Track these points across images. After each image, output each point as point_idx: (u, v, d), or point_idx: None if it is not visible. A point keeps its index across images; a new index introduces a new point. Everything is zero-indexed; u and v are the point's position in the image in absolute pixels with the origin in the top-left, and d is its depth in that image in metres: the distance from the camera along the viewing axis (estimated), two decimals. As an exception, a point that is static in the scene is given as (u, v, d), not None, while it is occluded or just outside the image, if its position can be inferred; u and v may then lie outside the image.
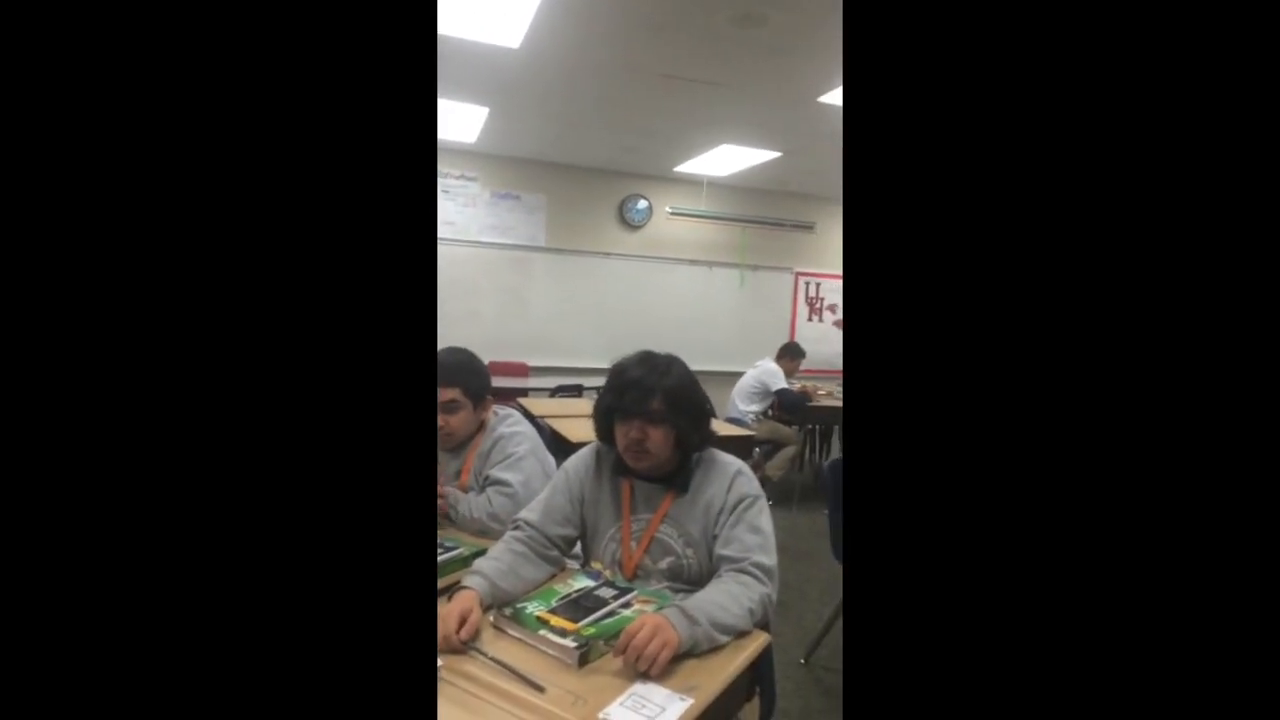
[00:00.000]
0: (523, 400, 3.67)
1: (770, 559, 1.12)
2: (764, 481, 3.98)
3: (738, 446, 2.77)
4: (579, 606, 1.04)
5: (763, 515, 1.17)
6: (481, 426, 1.52)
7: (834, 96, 3.26)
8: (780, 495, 3.96)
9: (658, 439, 1.17)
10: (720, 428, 2.99)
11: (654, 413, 1.16)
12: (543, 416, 2.88)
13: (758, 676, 1.22)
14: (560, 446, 2.52)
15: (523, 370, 5.03)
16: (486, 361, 5.37)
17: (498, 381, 4.58)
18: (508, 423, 1.54)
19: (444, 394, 1.44)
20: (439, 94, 3.61)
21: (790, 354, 4.41)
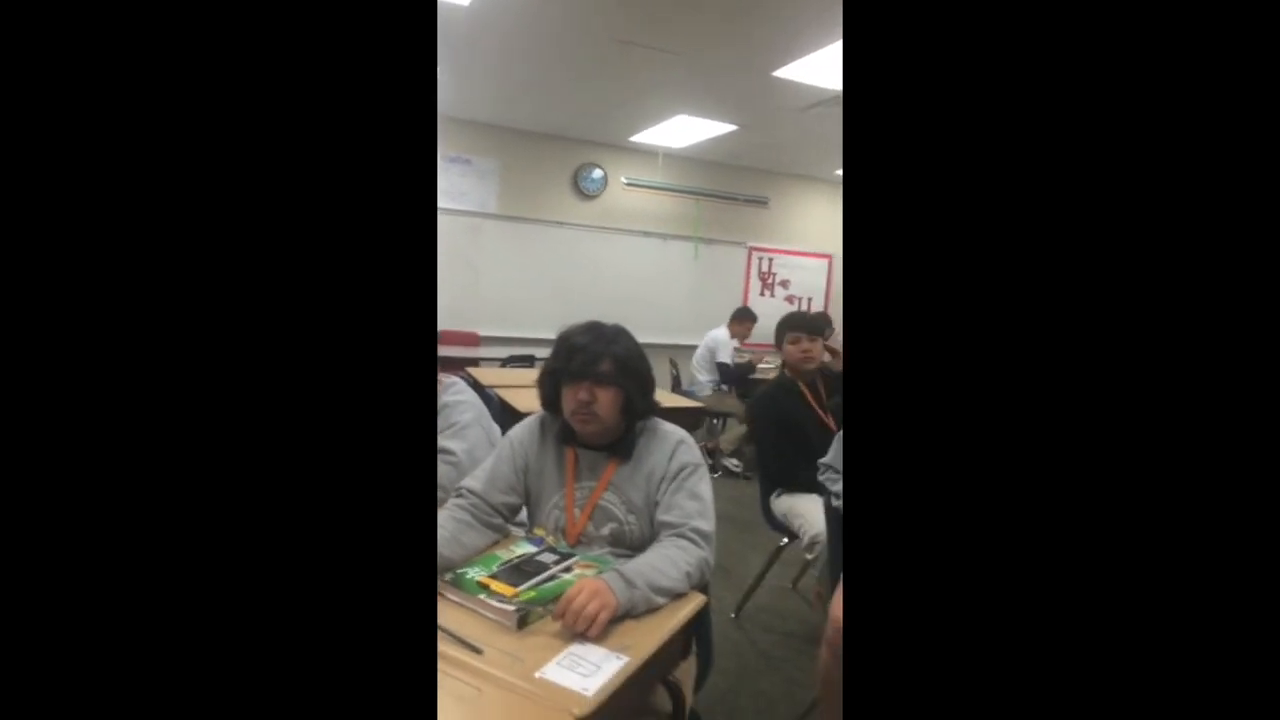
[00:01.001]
0: (473, 370, 3.63)
1: (708, 525, 1.15)
2: (714, 453, 4.08)
3: (686, 418, 2.81)
4: (520, 572, 1.05)
5: (703, 483, 1.20)
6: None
7: (789, 71, 3.27)
8: (724, 467, 4.05)
9: (606, 402, 1.18)
10: (667, 398, 3.04)
11: (603, 375, 1.18)
12: (492, 386, 2.86)
13: (697, 637, 1.27)
14: (510, 416, 2.51)
15: (473, 340, 4.97)
16: (436, 330, 5.21)
17: (448, 351, 4.53)
18: (452, 391, 1.53)
19: None
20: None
21: (740, 318, 4.47)
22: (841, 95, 2.77)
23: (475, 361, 4.25)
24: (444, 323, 4.90)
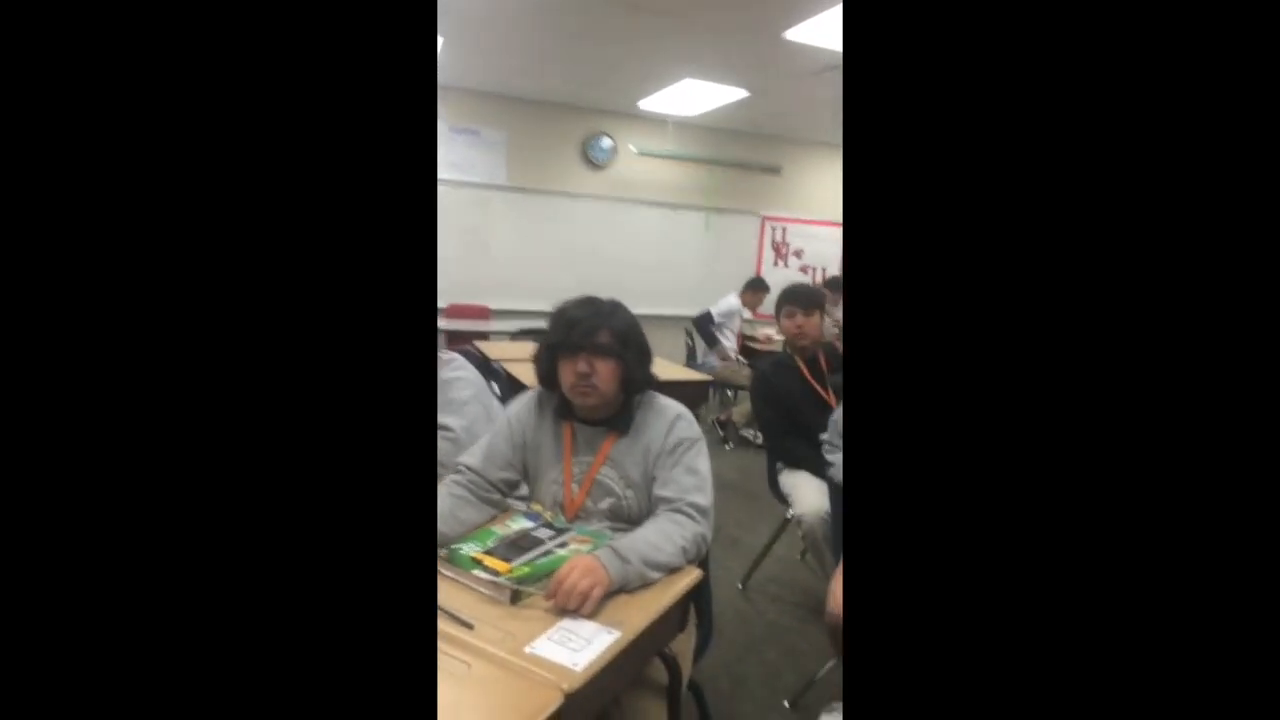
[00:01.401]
0: (482, 344, 3.62)
1: (705, 499, 1.14)
2: (726, 424, 4.07)
3: (691, 390, 2.80)
4: (515, 547, 1.05)
5: (700, 457, 1.19)
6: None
7: (799, 33, 3.17)
8: (743, 438, 4.05)
9: (605, 373, 1.17)
10: (673, 370, 3.02)
11: (602, 346, 1.16)
12: (499, 360, 2.86)
13: (697, 609, 1.28)
14: (516, 391, 2.51)
15: (483, 313, 4.97)
16: (445, 304, 5.22)
17: (458, 324, 4.54)
18: (451, 367, 1.52)
19: None
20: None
21: (753, 288, 4.41)
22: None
23: (485, 335, 4.25)
24: (453, 296, 4.91)
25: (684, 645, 1.17)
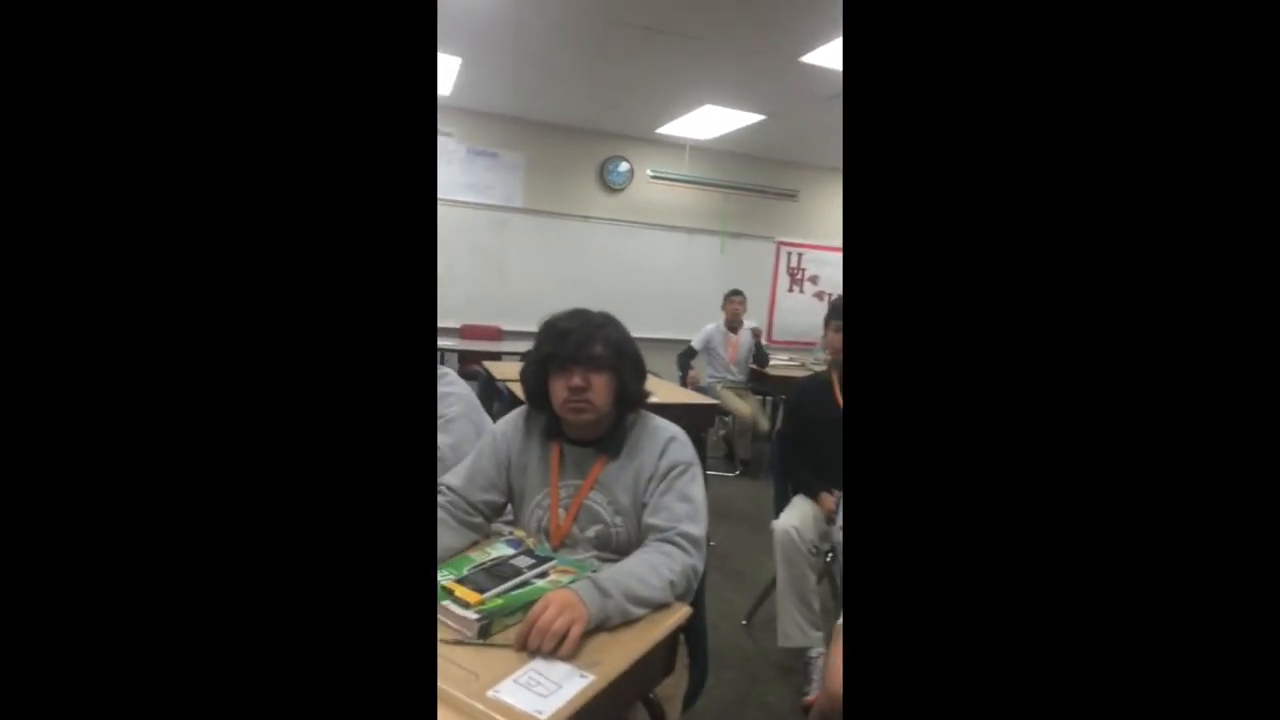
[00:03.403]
0: (493, 364, 3.59)
1: (698, 529, 1.07)
2: (730, 458, 3.96)
3: (698, 414, 2.72)
4: (491, 576, 0.98)
5: (695, 484, 1.12)
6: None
7: (817, 56, 3.14)
8: (751, 466, 3.94)
9: (600, 387, 1.10)
10: (675, 393, 2.94)
11: (597, 358, 1.10)
12: (505, 380, 2.81)
13: (690, 649, 1.19)
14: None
15: (495, 334, 4.95)
16: (458, 324, 5.23)
17: (470, 345, 4.52)
18: (442, 383, 1.47)
19: None
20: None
21: (731, 297, 4.27)
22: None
23: (498, 355, 4.22)
24: (467, 316, 4.90)
25: (672, 689, 1.08)
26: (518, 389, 2.65)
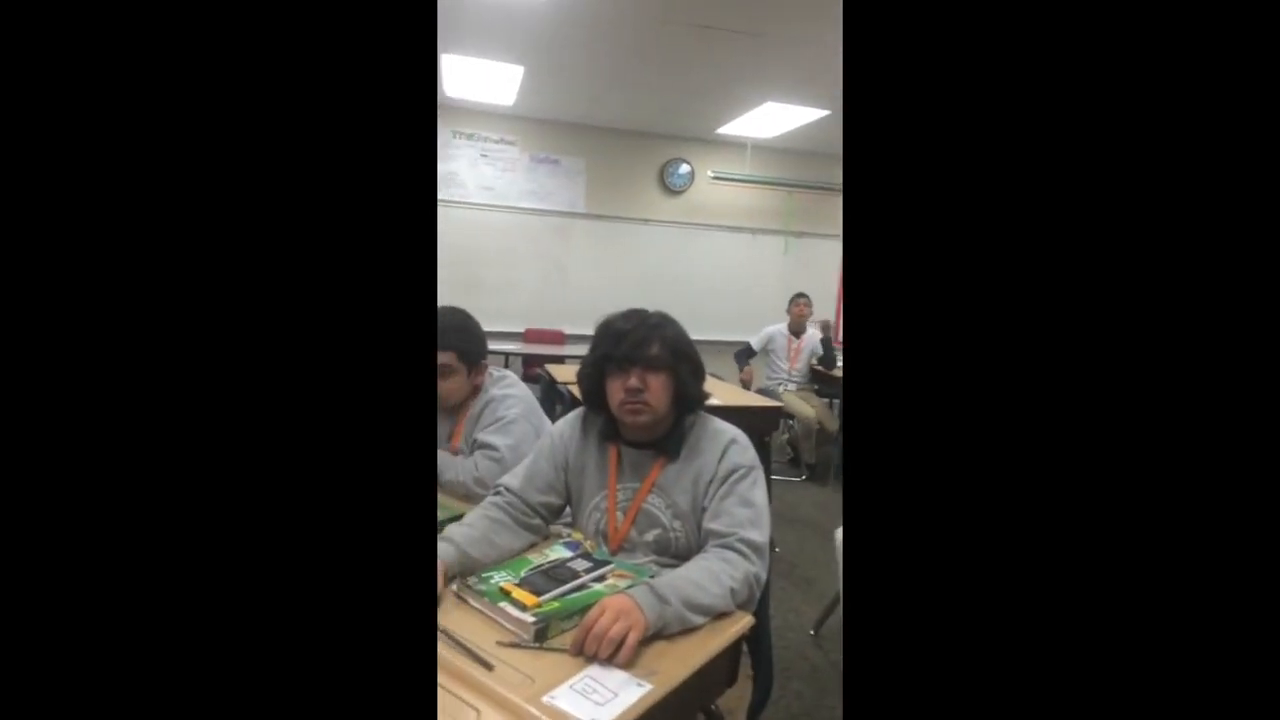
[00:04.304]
0: (555, 367, 3.62)
1: (761, 535, 1.02)
2: (796, 462, 3.85)
3: (761, 417, 2.65)
4: (548, 578, 0.97)
5: (756, 488, 1.07)
6: (475, 390, 1.47)
7: (883, 45, 3.02)
8: (817, 472, 3.83)
9: (657, 388, 1.08)
10: (737, 395, 2.87)
11: (654, 359, 1.08)
12: (566, 383, 2.83)
13: (754, 659, 1.14)
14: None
15: (559, 338, 5.00)
16: (523, 329, 5.30)
17: (534, 349, 4.59)
18: (501, 385, 1.48)
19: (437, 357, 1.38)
20: (474, 53, 3.53)
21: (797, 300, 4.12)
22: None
23: (561, 359, 4.27)
24: (531, 321, 4.97)
25: (735, 701, 1.05)
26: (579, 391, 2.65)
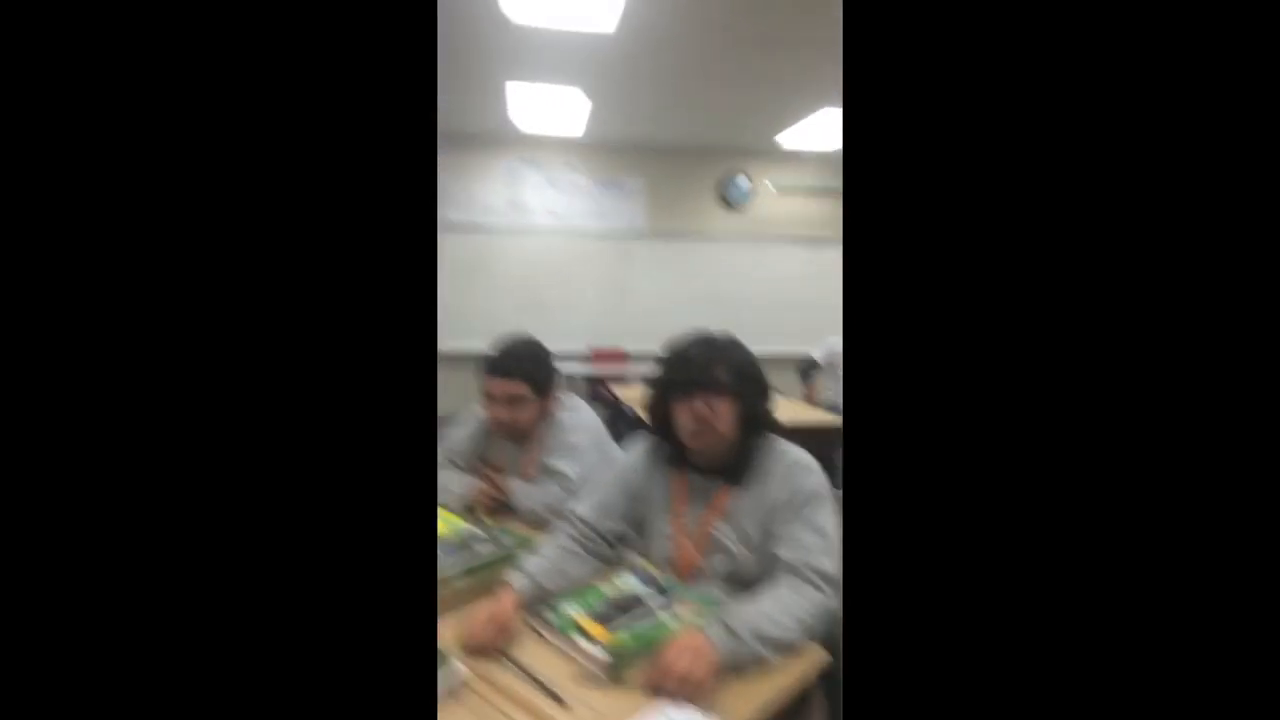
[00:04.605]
0: (620, 386, 3.64)
1: (832, 564, 0.99)
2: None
3: (827, 436, 2.58)
4: (618, 609, 0.97)
5: (827, 514, 1.05)
6: (546, 417, 1.49)
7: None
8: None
9: (724, 413, 1.08)
10: (800, 412, 2.78)
11: (720, 383, 1.08)
12: (629, 402, 2.84)
13: (829, 700, 1.11)
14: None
15: (620, 357, 5.04)
16: (586, 349, 5.37)
17: (597, 370, 4.64)
18: (571, 411, 1.50)
19: (509, 387, 1.42)
20: (541, 82, 3.65)
21: None
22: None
23: (623, 379, 4.30)
24: (593, 341, 5.04)
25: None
26: (643, 411, 2.65)
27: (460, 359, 4.88)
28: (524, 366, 1.42)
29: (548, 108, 4.09)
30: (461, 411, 1.60)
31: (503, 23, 2.81)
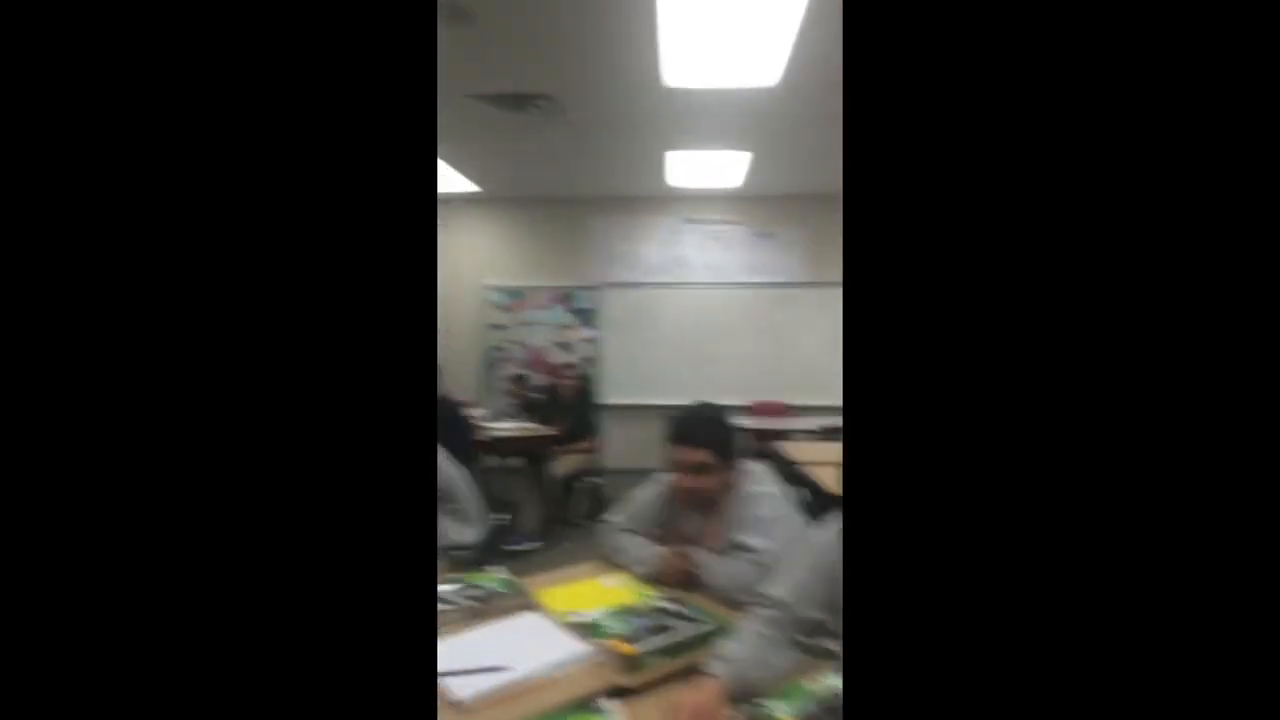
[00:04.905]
0: (784, 443, 3.51)
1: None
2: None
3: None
4: (830, 715, 0.90)
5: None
6: (730, 488, 1.46)
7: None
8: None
9: None
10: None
11: None
12: (801, 464, 2.73)
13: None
14: (821, 500, 2.34)
15: (779, 409, 4.89)
16: (748, 402, 5.28)
17: (755, 423, 4.54)
18: (758, 482, 1.45)
19: (693, 455, 1.41)
20: (701, 148, 3.77)
21: None
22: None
23: (785, 433, 4.14)
24: (753, 394, 4.95)
25: None
26: (820, 473, 2.52)
27: (621, 410, 5.05)
28: (706, 434, 1.41)
29: (712, 168, 4.20)
30: (648, 481, 1.60)
31: (664, 91, 2.93)
